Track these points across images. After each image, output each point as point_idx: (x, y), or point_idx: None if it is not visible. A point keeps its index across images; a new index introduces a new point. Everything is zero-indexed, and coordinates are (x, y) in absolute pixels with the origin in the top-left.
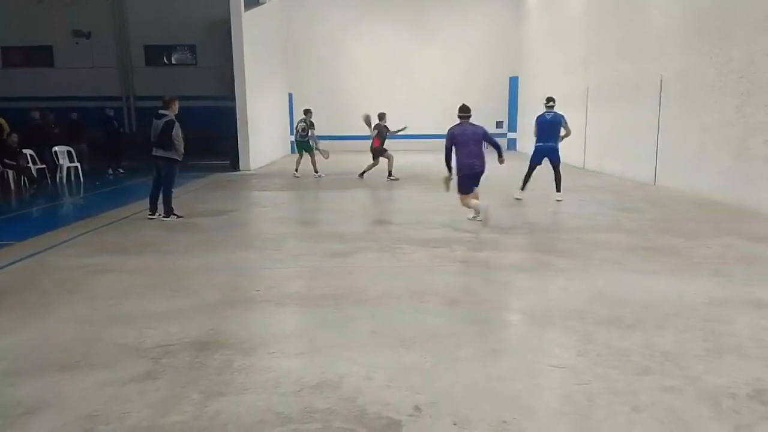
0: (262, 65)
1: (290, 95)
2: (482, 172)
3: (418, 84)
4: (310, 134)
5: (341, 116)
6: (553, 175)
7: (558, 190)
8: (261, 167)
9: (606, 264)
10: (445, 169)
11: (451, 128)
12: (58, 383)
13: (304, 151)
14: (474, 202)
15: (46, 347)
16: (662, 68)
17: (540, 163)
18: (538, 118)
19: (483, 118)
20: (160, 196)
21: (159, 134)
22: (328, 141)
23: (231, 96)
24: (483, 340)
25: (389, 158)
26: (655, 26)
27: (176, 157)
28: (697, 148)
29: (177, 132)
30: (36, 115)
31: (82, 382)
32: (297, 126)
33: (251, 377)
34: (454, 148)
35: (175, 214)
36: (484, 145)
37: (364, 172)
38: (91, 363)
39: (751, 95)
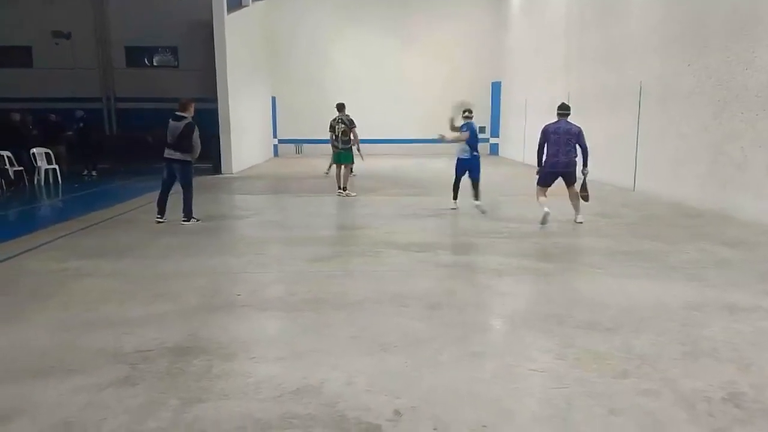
0: (245, 68)
1: (273, 99)
2: (571, 171)
3: (401, 88)
4: (353, 137)
5: (324, 120)
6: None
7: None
8: (243, 170)
9: (585, 268)
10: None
11: (546, 125)
12: (32, 389)
13: (341, 162)
14: (541, 199)
15: (22, 353)
16: (641, 75)
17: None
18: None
19: None
20: (168, 199)
21: (178, 136)
22: (313, 145)
23: (213, 98)
24: (464, 344)
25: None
26: (635, 33)
27: (191, 160)
28: (676, 154)
29: (197, 135)
30: (16, 116)
31: (58, 388)
32: (335, 128)
33: (231, 383)
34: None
35: (194, 218)
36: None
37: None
38: (68, 368)
39: (727, 102)
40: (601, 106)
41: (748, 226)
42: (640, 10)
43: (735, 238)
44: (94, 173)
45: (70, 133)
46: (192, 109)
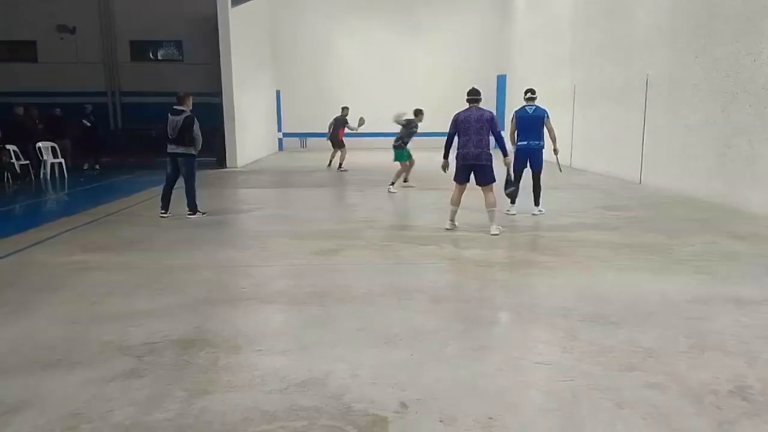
0: (249, 62)
1: (278, 92)
2: (483, 165)
3: (406, 82)
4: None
5: (329, 113)
6: (532, 184)
7: (536, 203)
8: (248, 164)
9: (591, 262)
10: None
11: (456, 114)
12: (40, 381)
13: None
14: (453, 201)
15: (29, 345)
16: (648, 67)
17: (526, 166)
18: (516, 112)
19: None
20: (173, 193)
21: (179, 130)
22: (318, 139)
23: (218, 92)
24: (469, 337)
25: (343, 152)
26: (642, 26)
27: (194, 153)
28: (682, 147)
29: (198, 127)
30: (20, 110)
31: (65, 380)
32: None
33: (237, 375)
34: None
35: (200, 212)
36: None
37: (331, 162)
38: (74, 361)
39: (735, 95)
40: (607, 99)
41: (755, 219)
42: (647, 2)
43: (742, 231)
44: (97, 167)
45: (86, 121)
46: (190, 103)
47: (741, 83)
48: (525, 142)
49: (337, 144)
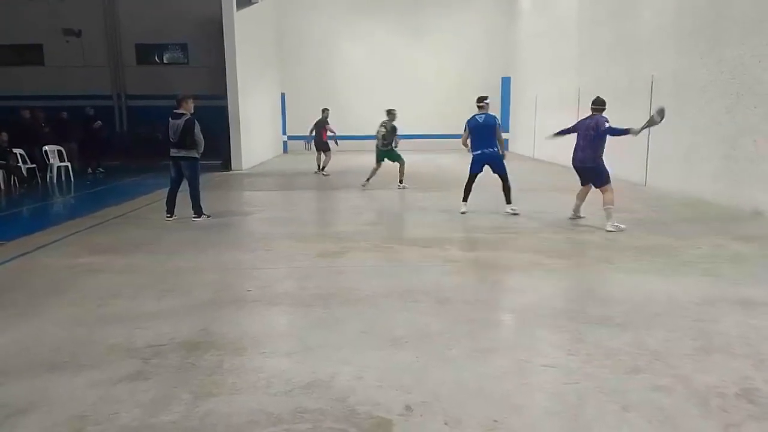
0: (255, 64)
1: (283, 95)
2: (587, 167)
3: (411, 84)
4: (394, 141)
5: (335, 116)
6: (501, 185)
7: (508, 201)
8: (253, 167)
9: (596, 263)
10: None
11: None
12: (47, 383)
13: (386, 160)
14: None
15: (35, 347)
16: (654, 69)
17: (481, 171)
18: (468, 122)
19: None
20: (178, 196)
21: (180, 134)
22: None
23: (223, 95)
24: (474, 340)
25: (328, 155)
26: (648, 27)
27: (197, 156)
28: (688, 148)
29: (199, 130)
30: (26, 114)
31: (72, 383)
32: (378, 132)
33: (242, 377)
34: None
35: (205, 214)
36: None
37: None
38: (81, 363)
39: (740, 96)
40: (613, 100)
41: (762, 221)
42: (653, 3)
43: (749, 232)
44: (99, 169)
45: (98, 122)
46: (190, 105)
47: (747, 85)
48: (479, 151)
49: (322, 147)
